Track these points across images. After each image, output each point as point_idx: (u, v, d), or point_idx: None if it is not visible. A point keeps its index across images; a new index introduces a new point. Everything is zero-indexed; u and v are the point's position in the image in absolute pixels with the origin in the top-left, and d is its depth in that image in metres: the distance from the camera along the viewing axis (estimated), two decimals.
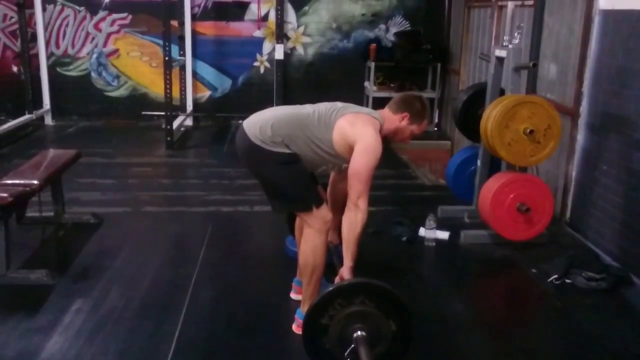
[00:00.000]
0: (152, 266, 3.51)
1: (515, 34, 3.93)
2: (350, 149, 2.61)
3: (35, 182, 3.45)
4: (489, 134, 3.71)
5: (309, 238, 2.69)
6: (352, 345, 2.23)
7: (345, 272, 2.59)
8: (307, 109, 2.78)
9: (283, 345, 2.74)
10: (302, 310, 2.74)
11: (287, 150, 2.64)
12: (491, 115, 3.71)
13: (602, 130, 3.99)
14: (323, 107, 2.78)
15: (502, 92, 4.10)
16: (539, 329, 3.01)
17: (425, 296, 3.26)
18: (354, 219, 2.58)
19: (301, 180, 2.69)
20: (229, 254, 3.74)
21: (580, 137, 4.26)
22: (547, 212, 3.78)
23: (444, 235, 3.97)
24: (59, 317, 2.89)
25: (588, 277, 3.36)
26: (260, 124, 2.69)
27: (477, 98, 4.25)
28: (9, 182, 3.43)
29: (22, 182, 3.44)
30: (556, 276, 3.39)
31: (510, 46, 3.90)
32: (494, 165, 4.20)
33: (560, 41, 4.63)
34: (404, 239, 3.97)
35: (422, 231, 3.99)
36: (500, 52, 3.99)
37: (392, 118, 2.90)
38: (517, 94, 3.88)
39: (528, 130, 3.60)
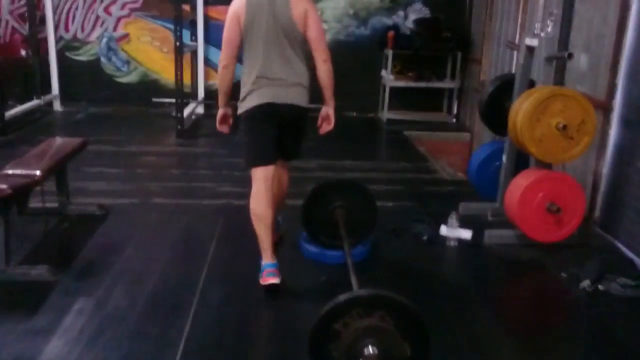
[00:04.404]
0: (160, 263, 3.33)
1: (548, 22, 3.68)
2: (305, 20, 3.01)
3: (38, 172, 3.28)
4: (519, 128, 3.48)
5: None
6: None
7: (330, 110, 3.32)
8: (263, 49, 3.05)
9: (295, 352, 2.55)
10: (264, 258, 3.06)
11: None
12: (521, 108, 3.48)
13: (638, 125, 3.74)
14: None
15: (531, 84, 3.87)
16: (571, 340, 2.81)
17: (449, 302, 3.06)
18: (329, 70, 3.14)
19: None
20: (240, 251, 3.55)
21: (613, 132, 4.01)
22: (578, 212, 3.56)
23: (466, 234, 3.76)
24: (59, 317, 2.72)
25: (623, 284, 3.14)
26: None
27: (504, 90, 4.02)
28: (10, 172, 3.26)
29: (24, 172, 3.27)
30: (588, 282, 3.17)
31: (542, 35, 3.65)
32: (520, 161, 3.98)
33: (593, 30, 4.36)
34: (425, 237, 3.76)
35: (444, 229, 3.78)
36: (531, 41, 3.75)
37: None
38: (549, 85, 3.63)
39: (561, 125, 3.37)
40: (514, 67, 5.68)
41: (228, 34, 3.06)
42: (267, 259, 3.06)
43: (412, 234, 3.82)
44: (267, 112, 3.06)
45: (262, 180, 3.08)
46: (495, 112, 4.04)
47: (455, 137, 6.99)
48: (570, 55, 3.51)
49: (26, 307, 2.81)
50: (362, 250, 3.40)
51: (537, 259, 3.54)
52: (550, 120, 3.41)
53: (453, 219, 3.73)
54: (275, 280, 2.99)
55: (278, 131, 3.12)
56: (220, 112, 3.29)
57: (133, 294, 2.97)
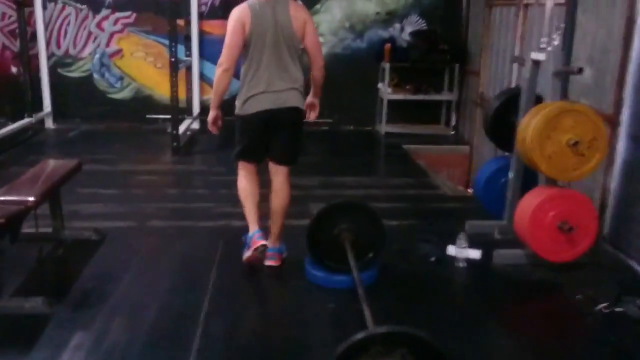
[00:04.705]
0: (159, 292, 3.20)
1: (555, 35, 3.60)
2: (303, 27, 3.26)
3: (31, 198, 3.14)
4: (528, 145, 3.38)
5: None
6: None
7: (316, 100, 3.56)
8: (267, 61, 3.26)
9: None
10: (250, 229, 3.40)
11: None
12: (530, 124, 3.39)
13: None
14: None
15: (537, 99, 3.78)
16: None
17: (462, 327, 2.94)
18: (323, 75, 3.46)
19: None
20: (242, 277, 3.42)
21: (621, 147, 3.92)
22: (591, 231, 3.45)
23: (475, 254, 3.64)
24: (55, 354, 2.58)
25: None
26: None
27: (510, 105, 3.93)
28: (2, 198, 3.12)
29: (16, 198, 3.13)
30: (605, 304, 3.07)
31: (549, 49, 3.57)
32: (527, 177, 3.88)
33: (597, 43, 4.29)
34: (433, 258, 3.65)
35: (451, 249, 3.66)
36: (538, 55, 3.66)
37: None
38: (559, 101, 3.54)
39: (572, 142, 3.28)
40: (514, 79, 5.61)
41: (232, 38, 3.20)
42: (254, 228, 3.40)
43: (418, 255, 3.71)
44: (263, 118, 3.29)
45: (245, 170, 3.47)
46: (502, 127, 3.95)
47: (454, 150, 6.90)
48: (580, 70, 3.43)
49: (20, 343, 2.67)
50: (370, 274, 3.28)
51: (549, 279, 3.43)
52: (561, 137, 3.32)
53: (461, 239, 3.62)
54: (264, 241, 3.35)
55: (270, 136, 3.36)
56: (213, 113, 3.45)
57: (132, 327, 2.83)
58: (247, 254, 3.40)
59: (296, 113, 3.35)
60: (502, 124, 3.97)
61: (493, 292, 3.38)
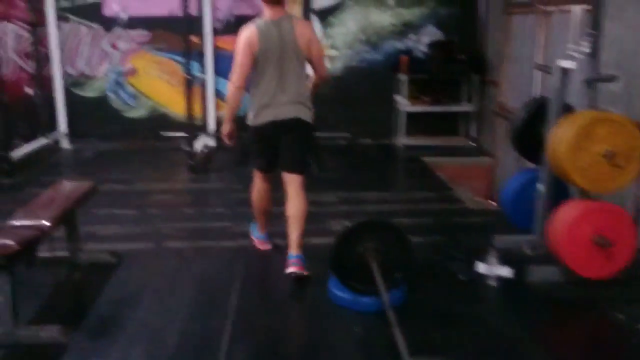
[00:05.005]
0: (178, 317, 3.08)
1: (583, 42, 3.46)
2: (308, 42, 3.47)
3: (47, 223, 3.05)
4: (560, 157, 3.24)
5: None
6: None
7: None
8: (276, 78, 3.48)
9: None
10: (259, 230, 4.00)
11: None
12: (562, 135, 3.25)
13: None
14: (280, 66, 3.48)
15: (566, 108, 3.63)
16: None
17: (498, 349, 2.79)
18: (322, 81, 3.71)
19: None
20: (264, 299, 3.30)
21: None
22: (630, 245, 3.28)
23: (507, 272, 3.48)
24: None
25: None
26: None
27: (537, 115, 3.78)
28: (17, 223, 3.03)
29: (31, 223, 3.04)
30: None
31: (580, 56, 3.43)
32: (557, 190, 3.73)
33: (625, 49, 4.13)
34: (462, 277, 3.49)
35: (482, 267, 3.51)
36: (566, 63, 3.52)
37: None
38: (592, 110, 3.39)
39: (608, 153, 3.12)
40: (535, 89, 5.46)
41: (242, 58, 3.42)
42: (262, 231, 3.99)
43: (447, 274, 3.56)
44: (269, 128, 3.51)
45: (262, 181, 3.76)
46: (529, 139, 3.80)
47: (475, 162, 6.74)
48: (613, 78, 3.28)
49: None
50: (398, 296, 3.13)
51: (587, 297, 3.26)
52: (595, 148, 3.17)
53: (492, 255, 3.46)
54: (269, 247, 3.96)
55: (279, 146, 3.56)
56: (227, 126, 3.65)
57: (152, 355, 2.71)
58: (254, 241, 4.02)
59: (300, 124, 3.52)
60: (529, 136, 3.82)
61: (529, 312, 3.22)
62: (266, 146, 3.60)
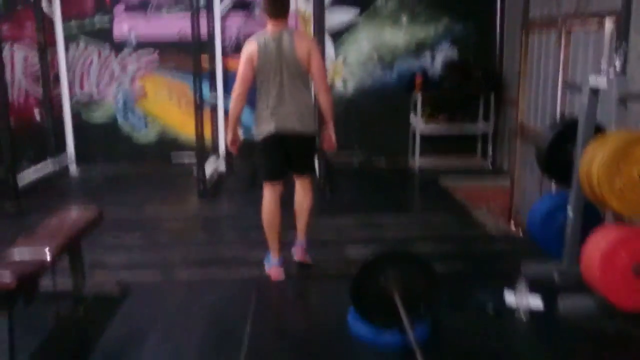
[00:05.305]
0: (189, 354, 2.88)
1: (616, 59, 3.27)
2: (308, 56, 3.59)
3: (48, 256, 2.87)
4: (595, 180, 3.03)
5: None
6: None
7: (331, 131, 3.81)
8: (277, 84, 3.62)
9: None
10: (272, 255, 3.83)
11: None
12: (596, 157, 3.04)
13: None
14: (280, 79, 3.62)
15: (597, 129, 3.43)
16: None
17: None
18: (328, 99, 3.72)
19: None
20: (279, 335, 3.09)
21: None
22: None
23: (538, 303, 3.26)
24: None
25: None
26: None
27: (566, 136, 3.58)
28: (17, 256, 2.85)
29: (32, 256, 2.86)
30: None
31: (612, 74, 3.23)
32: (589, 214, 3.52)
33: None
34: (490, 309, 3.27)
35: (510, 298, 3.29)
36: (597, 81, 3.33)
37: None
38: (627, 130, 3.19)
39: None
40: (557, 108, 5.25)
41: (243, 71, 3.61)
42: (275, 256, 3.80)
43: (474, 305, 3.33)
44: (277, 138, 3.65)
45: (271, 192, 3.76)
46: (558, 160, 3.60)
47: (493, 183, 6.50)
48: None
49: None
50: (423, 330, 2.91)
51: (629, 333, 3.02)
52: (633, 170, 2.96)
53: (521, 285, 3.24)
54: (281, 276, 3.75)
55: (285, 155, 3.71)
56: (230, 135, 3.81)
57: None
58: (267, 270, 3.83)
59: (299, 137, 3.68)
60: (557, 157, 3.62)
61: (563, 346, 2.98)
62: (272, 152, 3.71)
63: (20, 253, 2.88)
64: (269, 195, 3.77)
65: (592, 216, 3.56)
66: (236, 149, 3.86)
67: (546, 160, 3.67)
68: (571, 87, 3.88)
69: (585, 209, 3.53)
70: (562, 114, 5.07)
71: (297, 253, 3.97)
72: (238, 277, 3.87)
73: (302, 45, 3.56)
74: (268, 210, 3.77)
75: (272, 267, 3.79)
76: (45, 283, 3.16)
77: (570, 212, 3.58)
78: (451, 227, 4.83)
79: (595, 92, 3.40)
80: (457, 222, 4.96)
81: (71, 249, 3.34)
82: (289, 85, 3.59)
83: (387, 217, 5.05)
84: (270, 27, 3.60)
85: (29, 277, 2.67)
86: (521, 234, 4.76)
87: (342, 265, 3.95)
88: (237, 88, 3.65)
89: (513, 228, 5.21)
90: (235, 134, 3.80)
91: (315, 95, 3.82)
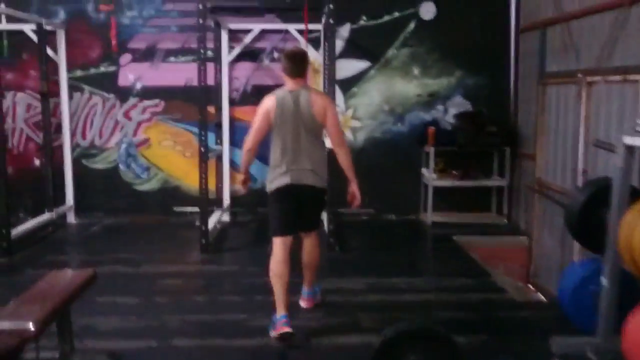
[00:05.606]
0: None
1: None
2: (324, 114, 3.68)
3: (32, 327, 2.57)
4: (636, 248, 2.74)
5: None
6: None
7: (355, 188, 3.81)
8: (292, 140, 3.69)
9: None
10: (278, 311, 3.62)
11: None
12: (637, 223, 2.76)
13: None
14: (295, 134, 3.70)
15: (633, 191, 3.17)
16: None
17: None
18: (346, 153, 3.77)
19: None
20: None
21: None
22: None
23: None
24: None
25: None
26: None
27: (599, 199, 3.32)
28: None
29: (14, 327, 2.57)
30: None
31: None
32: (626, 285, 3.22)
33: None
34: None
35: None
36: (634, 140, 3.08)
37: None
38: None
39: None
40: (579, 164, 5.02)
41: (258, 124, 3.71)
42: (281, 312, 3.60)
43: None
44: (289, 193, 3.68)
45: (281, 246, 3.71)
46: (591, 226, 3.32)
47: (510, 242, 6.21)
48: None
49: None
50: None
51: None
52: None
53: None
54: (288, 329, 3.50)
55: (297, 207, 3.71)
56: (242, 175, 3.96)
57: None
58: (273, 333, 3.60)
59: (312, 190, 3.71)
60: (591, 222, 3.34)
61: None
62: (284, 206, 3.72)
63: (3, 324, 2.59)
64: (279, 249, 3.71)
65: (629, 286, 3.26)
66: (247, 187, 4.01)
67: (577, 225, 3.39)
68: (602, 145, 3.63)
69: (622, 278, 3.23)
70: (585, 171, 4.85)
71: (305, 302, 4.04)
72: (240, 346, 3.54)
73: (319, 102, 3.66)
74: (277, 263, 3.68)
75: (278, 324, 3.55)
76: (30, 355, 2.89)
77: (604, 282, 3.27)
78: (471, 292, 4.50)
79: (631, 151, 3.16)
80: (476, 286, 4.64)
81: (60, 314, 3.04)
82: (305, 141, 3.66)
83: (401, 279, 4.73)
84: (289, 85, 3.71)
85: (9, 352, 2.38)
86: (543, 299, 4.45)
87: (355, 335, 3.63)
88: (250, 140, 3.74)
89: (532, 289, 4.91)
90: (246, 175, 3.94)
91: (332, 152, 3.84)
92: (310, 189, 3.69)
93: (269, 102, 3.68)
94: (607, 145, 3.50)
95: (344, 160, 3.76)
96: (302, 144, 3.66)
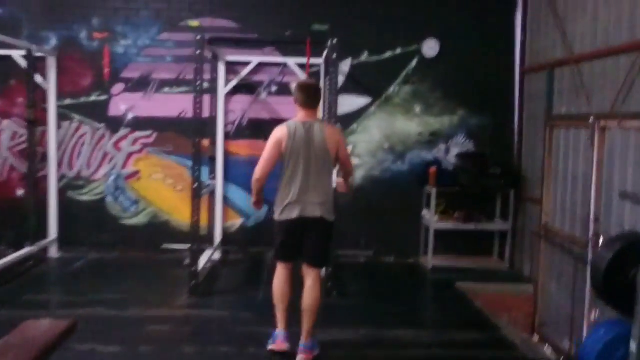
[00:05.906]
0: None
1: None
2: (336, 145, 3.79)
3: None
4: None
5: None
6: None
7: (344, 181, 3.99)
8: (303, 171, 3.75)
9: None
10: (278, 327, 3.84)
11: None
12: None
13: None
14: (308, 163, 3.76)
15: None
16: None
17: None
18: (353, 172, 4.09)
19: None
20: None
21: None
22: None
23: None
24: None
25: None
26: None
27: (627, 255, 3.07)
28: None
29: None
30: None
31: None
32: None
33: None
34: None
35: None
36: None
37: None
38: None
39: None
40: (591, 212, 4.78)
41: (269, 154, 3.74)
42: (281, 329, 3.80)
43: None
44: (297, 225, 3.73)
45: (284, 270, 3.85)
46: (619, 284, 3.07)
47: (514, 290, 5.93)
48: None
49: None
50: None
51: None
52: None
53: None
54: (285, 347, 3.76)
55: (303, 239, 3.76)
56: (255, 199, 3.94)
57: None
58: (271, 346, 3.81)
59: (322, 223, 3.74)
60: (617, 280, 3.09)
61: None
62: (289, 239, 3.78)
63: None
64: (281, 272, 3.85)
65: None
66: (260, 207, 4.03)
67: (603, 284, 3.14)
68: (630, 197, 3.39)
69: None
70: (597, 219, 4.62)
71: (303, 356, 3.78)
72: None
73: (333, 137, 3.74)
74: (279, 283, 3.83)
75: (278, 339, 3.78)
76: None
77: (634, 347, 3.01)
78: (480, 348, 4.20)
79: None
80: (485, 341, 4.34)
81: None
82: (315, 173, 3.70)
83: (404, 332, 4.43)
84: (301, 116, 3.76)
85: None
86: (554, 355, 4.17)
87: None
88: (260, 170, 3.76)
89: (539, 341, 4.64)
90: (258, 197, 3.93)
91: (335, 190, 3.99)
92: (318, 220, 3.72)
93: (280, 132, 3.71)
94: (634, 197, 3.27)
95: (348, 173, 3.95)
96: (312, 175, 3.69)
